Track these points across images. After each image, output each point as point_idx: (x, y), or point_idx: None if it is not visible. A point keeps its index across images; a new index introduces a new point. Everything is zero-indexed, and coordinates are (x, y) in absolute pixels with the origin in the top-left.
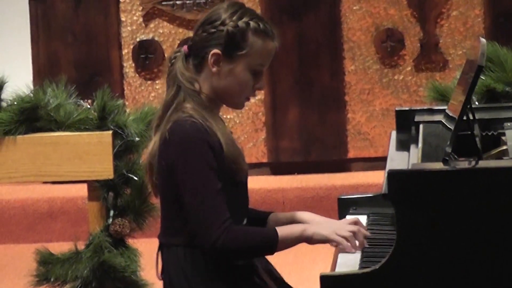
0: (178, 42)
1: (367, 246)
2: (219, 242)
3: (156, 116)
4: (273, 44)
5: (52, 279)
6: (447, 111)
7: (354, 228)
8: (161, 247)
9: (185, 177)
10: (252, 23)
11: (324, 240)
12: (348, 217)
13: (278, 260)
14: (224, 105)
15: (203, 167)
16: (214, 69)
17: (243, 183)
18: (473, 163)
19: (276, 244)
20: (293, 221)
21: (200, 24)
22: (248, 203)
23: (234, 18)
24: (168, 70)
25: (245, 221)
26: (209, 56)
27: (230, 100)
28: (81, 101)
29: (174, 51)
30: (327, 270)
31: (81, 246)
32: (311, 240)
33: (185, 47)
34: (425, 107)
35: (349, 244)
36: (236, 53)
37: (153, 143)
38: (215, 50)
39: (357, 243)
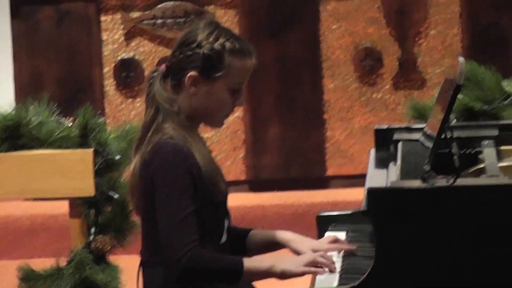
0: (158, 60)
1: (336, 270)
2: (182, 261)
3: (136, 137)
4: (250, 61)
5: None
6: (425, 129)
7: (319, 252)
8: (142, 264)
9: (160, 198)
10: (228, 44)
11: (295, 276)
12: (327, 234)
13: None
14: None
15: (179, 189)
16: (192, 90)
17: (222, 202)
18: (451, 181)
19: (240, 274)
20: (273, 241)
21: (177, 45)
22: (229, 221)
23: (210, 39)
24: (147, 90)
25: (224, 239)
26: (187, 78)
27: (210, 119)
28: (63, 119)
29: (152, 70)
30: (306, 287)
31: (63, 262)
32: (281, 277)
33: (163, 67)
34: (403, 125)
35: (321, 269)
36: (213, 74)
37: (134, 164)
38: (193, 72)
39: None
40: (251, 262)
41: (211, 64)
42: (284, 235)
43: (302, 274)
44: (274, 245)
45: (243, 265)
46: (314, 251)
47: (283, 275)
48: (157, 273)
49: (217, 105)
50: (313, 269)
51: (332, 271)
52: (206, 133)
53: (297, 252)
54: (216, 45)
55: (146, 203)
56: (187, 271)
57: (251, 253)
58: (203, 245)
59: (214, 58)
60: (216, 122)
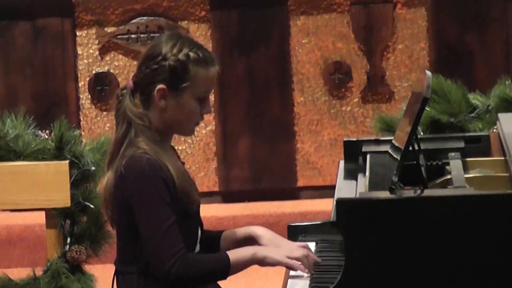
0: (133, 74)
1: (314, 273)
2: (173, 270)
3: (108, 152)
4: (214, 69)
5: None
6: (393, 141)
7: (304, 250)
8: (116, 273)
9: (141, 212)
10: (192, 54)
11: (276, 264)
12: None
13: (230, 285)
14: (175, 136)
15: (158, 201)
16: (161, 104)
17: (195, 213)
18: (419, 192)
19: (229, 269)
20: (246, 236)
21: (142, 60)
22: (202, 230)
23: (174, 51)
24: (116, 107)
25: (197, 249)
26: (155, 92)
27: (181, 129)
28: (39, 131)
29: (120, 88)
30: None
31: (39, 272)
32: (262, 262)
33: (130, 83)
34: (372, 138)
35: (302, 267)
36: (180, 85)
37: (107, 178)
38: (160, 86)
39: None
40: (235, 254)
41: (177, 75)
42: (256, 230)
43: (283, 264)
44: (247, 241)
45: (229, 259)
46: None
47: (265, 261)
48: (130, 282)
49: (187, 115)
50: (296, 264)
51: (310, 273)
52: (180, 145)
53: None
54: (181, 56)
55: (120, 215)
56: (179, 279)
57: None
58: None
59: (180, 69)
60: (187, 131)
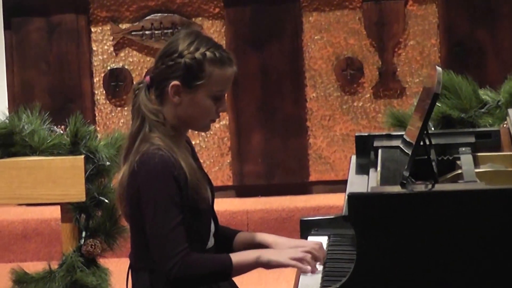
0: (146, 70)
1: (319, 270)
2: (174, 269)
3: (124, 147)
4: (231, 70)
5: None
6: (404, 136)
7: (308, 249)
8: (130, 268)
9: (148, 209)
10: (208, 54)
11: (281, 266)
12: (310, 238)
13: (243, 280)
14: (190, 131)
15: (166, 200)
16: (175, 100)
17: (206, 209)
18: (430, 186)
19: (230, 271)
20: (256, 243)
21: (159, 56)
22: (216, 226)
23: (191, 49)
24: (132, 102)
25: (211, 245)
26: (169, 88)
27: (196, 125)
28: (55, 127)
29: (137, 82)
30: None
31: (54, 265)
32: (267, 266)
33: (147, 78)
34: (383, 133)
35: (306, 266)
36: (194, 83)
37: (122, 173)
38: (175, 82)
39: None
40: (238, 257)
41: (192, 73)
42: (266, 238)
43: (287, 265)
44: (259, 247)
45: (232, 261)
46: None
47: (270, 265)
48: (144, 277)
49: (201, 113)
50: (299, 264)
51: (313, 273)
52: (194, 139)
53: None
54: (197, 55)
55: (133, 211)
56: (180, 279)
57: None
58: (191, 251)
59: (195, 67)
60: (201, 127)
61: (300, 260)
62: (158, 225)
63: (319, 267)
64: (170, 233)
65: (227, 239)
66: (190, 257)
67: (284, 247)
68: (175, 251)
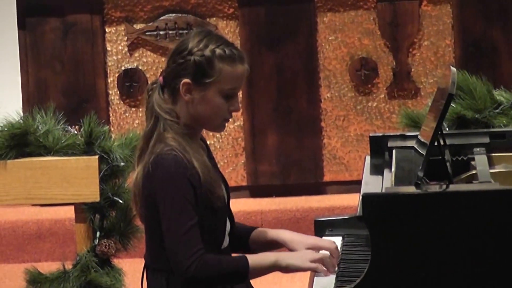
0: (161, 70)
1: (336, 269)
2: (189, 270)
3: (138, 147)
4: (242, 67)
5: None
6: (419, 137)
7: (324, 253)
8: (145, 268)
9: (164, 210)
10: (218, 50)
11: (300, 270)
12: (324, 238)
13: (258, 279)
14: (205, 131)
15: (181, 202)
16: (186, 98)
17: (221, 209)
18: (444, 187)
19: (246, 274)
20: (272, 240)
21: (170, 55)
22: (232, 225)
23: (201, 46)
24: (146, 102)
25: (226, 244)
26: (180, 86)
27: (209, 124)
28: (69, 127)
29: (151, 82)
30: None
31: (68, 266)
32: (285, 270)
33: (160, 78)
34: (398, 133)
35: (324, 269)
36: (205, 80)
37: (136, 173)
38: (185, 80)
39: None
40: (255, 259)
41: (202, 70)
42: (282, 235)
43: (306, 269)
44: (274, 245)
45: (248, 264)
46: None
47: (288, 269)
48: (159, 278)
49: (212, 111)
50: (320, 267)
51: (332, 274)
52: (209, 139)
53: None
54: (207, 52)
55: (148, 212)
56: (195, 280)
57: (253, 251)
58: (206, 251)
59: (205, 64)
60: (215, 126)
61: (320, 261)
62: (174, 226)
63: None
64: (186, 233)
65: (243, 236)
66: (206, 257)
67: (300, 244)
68: (191, 251)
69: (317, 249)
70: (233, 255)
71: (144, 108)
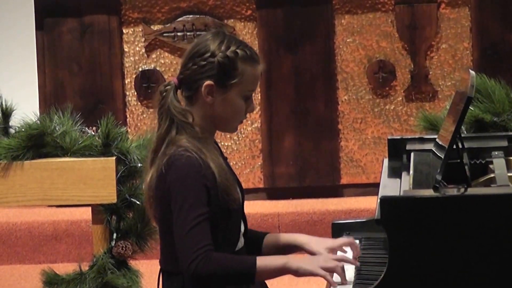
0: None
1: (349, 282)
2: (192, 266)
3: (151, 149)
4: (260, 67)
5: None
6: (437, 140)
7: (339, 258)
8: (161, 272)
9: (174, 206)
10: (240, 51)
11: (310, 275)
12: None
13: (274, 281)
14: (221, 132)
15: (192, 198)
16: (208, 99)
17: (237, 210)
18: (462, 190)
19: (253, 274)
20: (288, 244)
21: (188, 57)
22: (246, 227)
23: (223, 48)
24: (159, 104)
25: (241, 245)
26: (203, 88)
27: (225, 126)
28: (86, 128)
29: (163, 84)
30: None
31: (85, 267)
32: (296, 273)
33: (175, 80)
34: (416, 136)
35: (332, 280)
36: (228, 82)
37: (150, 175)
38: (208, 82)
39: (344, 274)
40: (264, 261)
41: (225, 72)
42: (299, 238)
43: (316, 274)
44: (289, 248)
45: (256, 265)
46: (329, 250)
47: (299, 272)
48: (175, 282)
49: (232, 113)
50: (328, 277)
51: (343, 283)
52: (226, 141)
53: (312, 254)
54: (229, 53)
55: (161, 214)
56: (199, 277)
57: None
58: (217, 251)
59: (228, 65)
60: (230, 128)
61: (331, 269)
62: (181, 220)
63: (351, 270)
64: (192, 228)
65: (256, 241)
66: (212, 254)
67: (318, 246)
68: (196, 246)
69: (336, 249)
70: None
71: (156, 110)
